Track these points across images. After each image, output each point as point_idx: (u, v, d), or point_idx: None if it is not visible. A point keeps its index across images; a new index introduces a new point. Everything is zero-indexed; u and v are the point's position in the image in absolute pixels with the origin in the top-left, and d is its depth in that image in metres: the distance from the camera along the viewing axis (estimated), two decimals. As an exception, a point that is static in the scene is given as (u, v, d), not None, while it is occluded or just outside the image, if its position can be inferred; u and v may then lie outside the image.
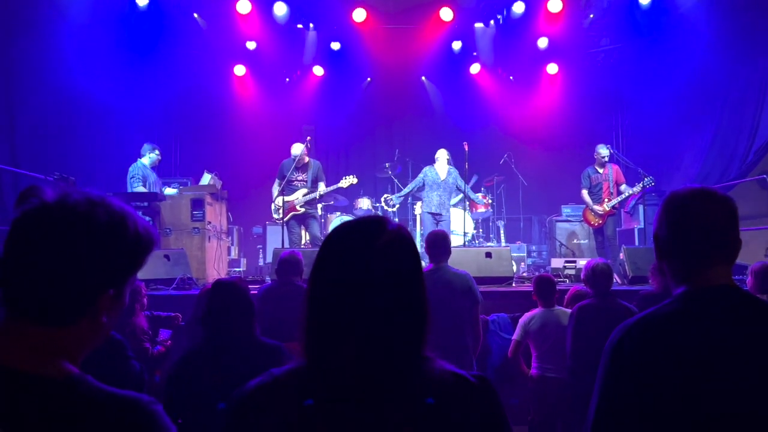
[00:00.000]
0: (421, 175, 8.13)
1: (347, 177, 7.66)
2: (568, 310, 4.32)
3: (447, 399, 1.10)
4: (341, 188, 7.69)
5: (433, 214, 7.97)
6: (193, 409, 2.60)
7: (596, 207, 7.75)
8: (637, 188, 7.59)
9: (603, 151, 7.84)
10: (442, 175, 8.00)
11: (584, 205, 7.99)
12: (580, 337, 3.84)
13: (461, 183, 8.08)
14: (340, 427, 1.06)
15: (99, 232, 0.97)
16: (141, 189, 7.13)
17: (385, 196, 9.01)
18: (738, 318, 1.37)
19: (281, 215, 7.51)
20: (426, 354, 1.15)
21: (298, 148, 7.52)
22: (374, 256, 1.12)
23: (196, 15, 9.82)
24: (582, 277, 4.29)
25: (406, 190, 8.32)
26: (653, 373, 1.33)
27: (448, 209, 8.10)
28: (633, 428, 1.34)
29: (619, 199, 7.70)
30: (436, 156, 8.09)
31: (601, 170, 7.83)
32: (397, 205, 8.86)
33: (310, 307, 1.14)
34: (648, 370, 1.33)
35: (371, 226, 1.17)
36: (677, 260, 1.47)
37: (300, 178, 7.57)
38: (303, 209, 7.55)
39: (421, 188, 8.10)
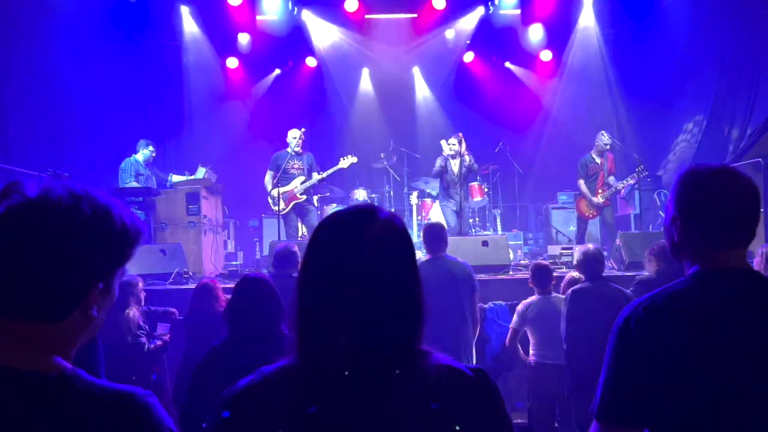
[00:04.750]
0: (441, 161, 7.52)
1: (346, 157, 7.49)
2: (565, 297, 4.35)
3: (445, 394, 1.06)
4: (342, 169, 7.53)
5: (455, 212, 7.42)
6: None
7: (594, 199, 7.55)
8: (630, 180, 7.49)
9: (605, 138, 7.61)
10: (456, 169, 7.34)
11: (578, 194, 7.85)
12: (574, 320, 3.90)
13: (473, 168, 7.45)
14: (337, 426, 1.02)
15: (84, 226, 0.94)
16: (133, 184, 7.13)
17: (427, 192, 8.73)
18: (750, 300, 1.35)
19: (282, 207, 7.29)
20: (422, 348, 1.10)
21: (296, 133, 7.40)
22: (365, 246, 1.07)
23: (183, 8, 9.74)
24: (574, 262, 4.32)
25: (434, 182, 7.77)
26: (658, 352, 1.32)
27: (469, 203, 7.73)
28: (638, 404, 1.33)
29: (611, 191, 7.57)
30: (447, 146, 7.44)
31: (599, 160, 7.64)
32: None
33: (301, 301, 1.10)
34: (654, 349, 1.32)
35: (362, 215, 1.12)
36: (694, 240, 1.42)
37: (296, 165, 7.43)
38: (304, 196, 7.44)
39: (442, 179, 7.60)
